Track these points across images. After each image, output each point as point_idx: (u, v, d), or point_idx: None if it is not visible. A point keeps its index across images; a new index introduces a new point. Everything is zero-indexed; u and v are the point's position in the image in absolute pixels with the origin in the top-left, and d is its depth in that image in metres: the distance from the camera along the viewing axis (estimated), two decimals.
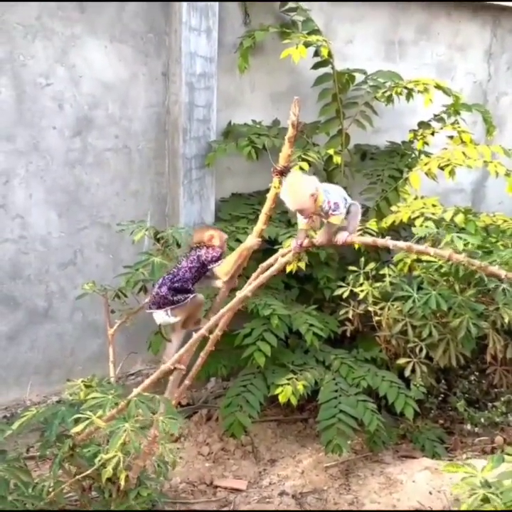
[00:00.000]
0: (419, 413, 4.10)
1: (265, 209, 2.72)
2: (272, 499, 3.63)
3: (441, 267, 4.05)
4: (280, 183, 2.60)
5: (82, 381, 2.85)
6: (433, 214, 4.20)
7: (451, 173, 4.27)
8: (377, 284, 4.14)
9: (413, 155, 4.94)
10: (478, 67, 5.87)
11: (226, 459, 4.04)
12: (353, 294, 4.19)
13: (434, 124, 4.92)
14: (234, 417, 3.83)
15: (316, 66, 4.69)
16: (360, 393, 3.92)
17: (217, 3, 4.32)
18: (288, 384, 3.83)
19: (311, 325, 4.04)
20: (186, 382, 2.99)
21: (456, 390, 4.39)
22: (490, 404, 4.34)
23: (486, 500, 1.94)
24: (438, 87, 4.53)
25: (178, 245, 3.22)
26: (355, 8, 5.05)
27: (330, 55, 4.46)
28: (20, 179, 4.00)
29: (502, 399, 4.30)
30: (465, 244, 3.69)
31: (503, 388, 4.38)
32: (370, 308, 4.13)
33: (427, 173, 4.42)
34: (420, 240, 3.84)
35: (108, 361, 3.28)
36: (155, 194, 4.51)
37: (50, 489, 2.64)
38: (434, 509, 3.41)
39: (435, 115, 4.94)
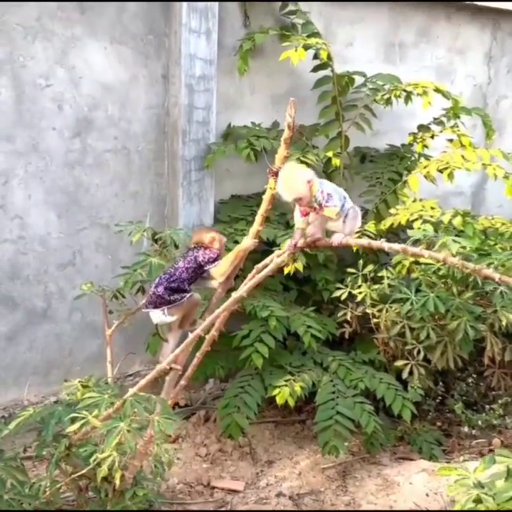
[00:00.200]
0: (417, 415, 4.10)
1: (261, 210, 2.74)
2: (269, 500, 3.63)
3: (439, 269, 4.06)
4: (276, 184, 2.61)
5: (80, 381, 2.85)
6: (431, 216, 4.21)
7: (450, 176, 4.27)
8: (376, 286, 4.15)
9: (412, 158, 4.95)
10: (478, 70, 5.88)
11: (223, 460, 4.04)
12: (351, 296, 4.20)
13: (433, 127, 4.93)
14: (231, 418, 3.83)
15: (315, 69, 4.70)
16: (357, 395, 3.92)
17: (217, 5, 4.33)
18: (285, 385, 3.84)
19: (309, 327, 4.04)
20: (182, 382, 3.00)
21: (453, 392, 4.39)
22: (487, 406, 4.35)
23: (478, 500, 1.95)
24: (437, 90, 4.54)
25: (176, 246, 3.23)
26: (355, 10, 5.07)
27: (329, 57, 4.47)
28: (20, 180, 4.02)
29: (499, 401, 4.31)
30: (462, 248, 3.70)
31: (501, 391, 4.39)
32: (368, 311, 4.15)
33: (426, 176, 4.43)
34: (416, 242, 3.85)
35: (106, 362, 3.28)
36: (154, 195, 4.53)
37: (47, 489, 2.65)
38: (430, 509, 3.41)
39: (435, 118, 4.94)
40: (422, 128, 4.97)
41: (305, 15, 4.62)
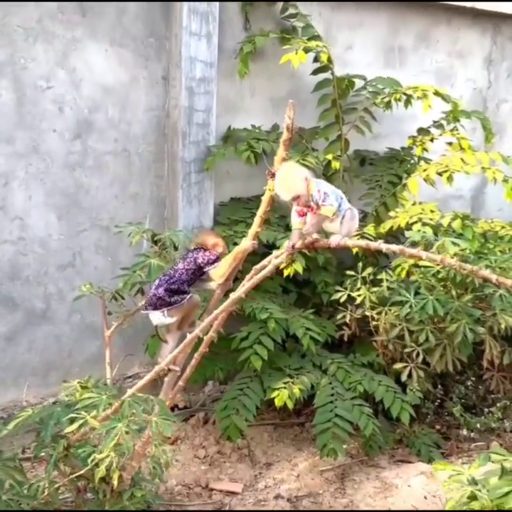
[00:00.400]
0: (416, 418, 4.11)
1: (260, 212, 2.75)
2: (267, 502, 3.63)
3: (438, 272, 4.06)
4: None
5: (78, 382, 2.86)
6: (431, 219, 4.21)
7: (449, 179, 4.29)
8: (375, 289, 4.15)
9: (412, 161, 4.96)
10: (478, 74, 5.89)
11: (222, 462, 4.04)
12: (350, 299, 4.20)
13: (433, 130, 4.94)
14: (230, 420, 3.83)
15: (315, 72, 4.71)
16: (356, 398, 3.93)
17: (217, 8, 4.35)
18: (284, 388, 3.84)
19: (308, 329, 4.05)
20: (180, 383, 3.01)
21: (452, 395, 4.39)
22: (486, 409, 4.35)
23: (473, 497, 1.96)
24: (437, 93, 4.55)
25: (175, 248, 3.24)
26: (355, 14, 5.08)
27: (329, 60, 4.48)
28: (20, 181, 4.03)
29: (498, 405, 4.31)
30: (461, 250, 3.70)
31: (500, 394, 4.39)
32: (368, 313, 4.15)
33: (425, 179, 4.44)
34: (414, 244, 3.85)
35: (105, 363, 3.29)
36: (154, 197, 4.54)
37: (45, 489, 2.65)
38: (426, 509, 3.41)
39: (434, 121, 4.96)
40: (422, 131, 4.99)
41: (305, 18, 4.63)
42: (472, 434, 4.23)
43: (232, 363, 4.17)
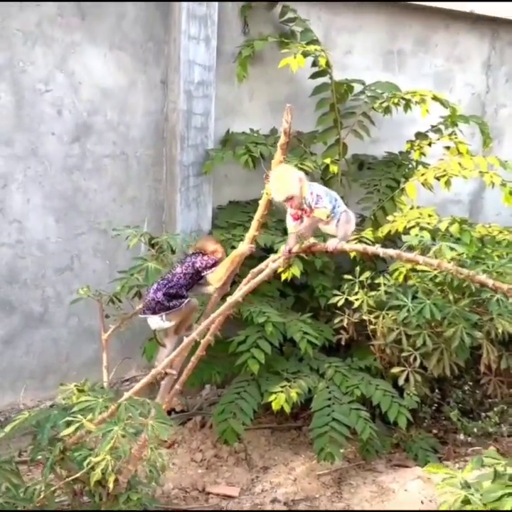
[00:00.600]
0: (413, 422, 4.11)
1: (258, 215, 2.76)
2: (263, 506, 3.63)
3: (436, 276, 4.06)
4: None
5: (75, 385, 2.86)
6: (429, 224, 4.21)
7: (447, 183, 4.29)
8: (372, 293, 4.15)
9: (410, 165, 4.97)
10: (476, 78, 5.91)
11: (219, 465, 4.04)
12: (348, 303, 4.20)
13: (431, 135, 4.95)
14: (227, 424, 3.83)
15: (314, 76, 4.72)
16: (353, 402, 3.92)
17: (216, 12, 4.36)
18: (281, 392, 3.84)
19: (306, 333, 4.05)
20: (177, 387, 3.01)
21: (450, 399, 4.39)
22: (483, 414, 4.35)
23: (466, 501, 1.97)
24: (435, 98, 4.56)
25: (173, 251, 3.24)
26: (354, 19, 5.10)
27: (328, 64, 4.50)
28: (19, 184, 4.04)
29: (495, 409, 4.31)
30: (458, 254, 3.71)
31: (497, 398, 4.40)
32: (365, 317, 4.14)
33: (423, 184, 4.44)
34: (411, 248, 3.86)
35: (102, 366, 3.29)
36: (152, 201, 4.54)
37: (41, 492, 2.65)
38: (426, 509, 3.41)
39: (432, 126, 4.97)
40: (420, 136, 4.99)
41: (304, 22, 4.64)
42: (469, 439, 4.22)
43: (229, 367, 4.17)
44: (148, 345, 4.11)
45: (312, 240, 2.70)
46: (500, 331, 3.94)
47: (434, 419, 4.42)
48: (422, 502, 3.52)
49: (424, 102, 4.48)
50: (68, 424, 2.44)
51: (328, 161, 4.65)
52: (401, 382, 4.05)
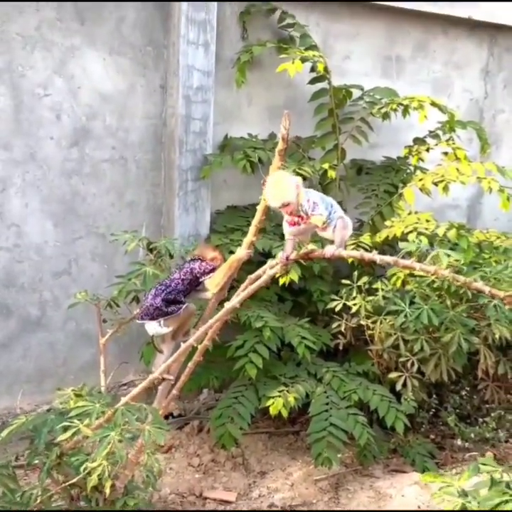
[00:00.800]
0: (410, 427, 4.10)
1: (255, 221, 2.76)
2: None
3: (433, 282, 4.06)
4: None
5: (72, 390, 2.86)
6: (426, 229, 4.22)
7: (445, 189, 4.30)
8: (370, 298, 4.15)
9: (408, 170, 4.98)
10: (474, 84, 5.92)
11: (216, 470, 4.04)
12: (346, 308, 4.20)
13: (429, 140, 4.96)
14: (225, 428, 3.83)
15: (312, 81, 4.74)
16: (351, 407, 3.92)
17: (215, 18, 4.37)
18: (279, 396, 3.84)
19: (304, 338, 4.05)
20: (174, 392, 3.01)
21: (447, 405, 4.39)
22: (481, 419, 4.35)
23: (464, 509, 1.97)
24: (433, 104, 4.57)
25: (171, 256, 3.24)
26: (352, 24, 5.11)
27: (326, 70, 4.51)
28: (17, 188, 4.04)
29: (493, 414, 4.31)
30: (456, 260, 3.72)
31: (495, 404, 4.40)
32: (363, 322, 4.15)
33: (421, 189, 4.45)
34: (409, 254, 3.86)
35: (100, 371, 3.29)
36: (150, 205, 4.55)
37: (38, 497, 2.65)
38: (425, 509, 3.41)
39: (430, 131, 4.98)
40: (418, 141, 5.01)
41: (303, 28, 4.66)
42: (466, 444, 4.23)
43: (227, 371, 4.17)
44: (145, 350, 4.10)
45: (310, 247, 2.70)
46: (497, 336, 3.95)
47: (431, 425, 4.42)
48: (418, 507, 3.52)
49: (422, 108, 4.49)
50: (65, 429, 2.44)
51: (326, 166, 4.66)
52: (399, 387, 4.05)
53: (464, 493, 2.02)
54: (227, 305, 2.72)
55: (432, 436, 4.37)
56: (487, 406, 4.43)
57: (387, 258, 2.48)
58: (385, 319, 4.10)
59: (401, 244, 3.96)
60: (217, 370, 4.21)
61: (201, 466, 4.06)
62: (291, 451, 4.28)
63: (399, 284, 4.18)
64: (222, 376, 4.23)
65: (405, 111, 4.63)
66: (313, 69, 4.62)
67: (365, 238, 4.40)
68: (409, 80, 5.48)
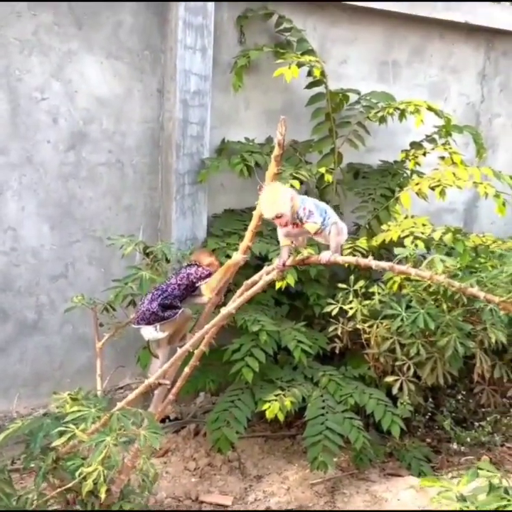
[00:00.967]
0: (406, 431, 4.12)
1: (251, 226, 2.77)
2: None
3: (429, 286, 4.08)
4: None
5: (69, 394, 2.86)
6: (423, 233, 4.23)
7: (442, 193, 4.31)
8: (367, 302, 4.17)
9: (405, 174, 4.99)
10: (471, 88, 5.94)
11: (212, 474, 4.04)
12: (342, 312, 4.21)
13: (426, 144, 4.98)
14: (221, 432, 3.82)
15: (309, 86, 4.75)
16: (347, 410, 3.93)
17: (212, 23, 4.38)
18: (275, 400, 3.84)
19: (300, 341, 4.06)
20: (170, 397, 3.01)
21: (443, 408, 4.40)
22: (477, 423, 4.36)
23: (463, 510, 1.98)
24: (430, 108, 4.58)
25: (167, 260, 3.25)
26: (349, 29, 5.13)
27: (323, 74, 4.52)
28: (14, 192, 4.04)
29: (489, 418, 4.32)
30: (446, 267, 3.73)
31: (491, 408, 4.41)
32: (359, 326, 4.16)
33: (417, 193, 4.46)
34: (405, 259, 3.88)
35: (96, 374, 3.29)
36: (148, 209, 4.55)
37: (34, 501, 2.65)
38: (425, 509, 3.42)
39: (427, 136, 4.99)
40: (415, 145, 5.02)
41: (300, 32, 4.67)
42: (462, 448, 4.24)
43: (223, 375, 4.17)
44: (142, 354, 4.10)
45: (306, 252, 2.70)
46: (493, 340, 3.97)
47: (427, 428, 4.43)
48: None
49: (418, 112, 4.50)
50: (61, 433, 2.44)
51: (323, 170, 4.67)
52: (395, 391, 4.06)
53: (462, 498, 2.03)
54: (223, 310, 2.72)
55: (428, 440, 4.38)
56: (483, 410, 4.44)
57: (383, 264, 2.48)
58: (382, 323, 4.11)
59: (396, 250, 3.97)
60: (213, 373, 4.21)
61: (197, 469, 4.07)
62: (287, 455, 4.28)
63: (395, 288, 4.19)
64: (219, 379, 4.23)
65: (402, 115, 4.63)
66: (310, 73, 4.63)
67: (362, 242, 4.41)
68: (406, 85, 5.50)
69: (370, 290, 4.22)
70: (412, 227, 4.30)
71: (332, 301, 4.24)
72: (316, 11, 4.93)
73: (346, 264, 4.22)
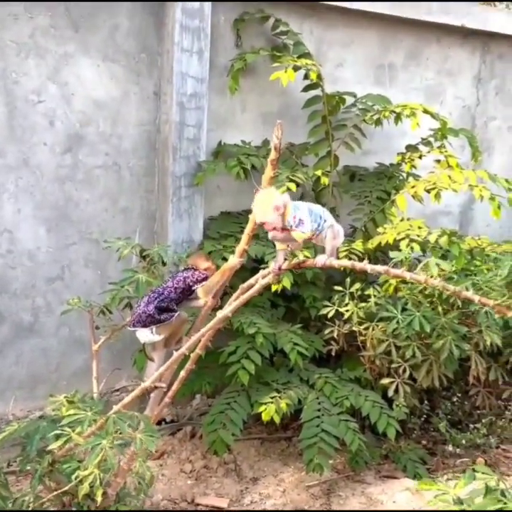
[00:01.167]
0: (402, 433, 4.12)
1: (248, 230, 2.78)
2: None
3: (425, 288, 4.09)
4: None
5: (65, 397, 2.86)
6: (418, 236, 4.24)
7: (437, 196, 4.32)
8: (363, 305, 4.17)
9: (401, 177, 5.00)
10: (467, 92, 5.96)
11: (208, 476, 4.04)
12: (338, 314, 4.22)
13: (421, 147, 4.99)
14: (217, 434, 3.83)
15: (306, 89, 4.76)
16: (343, 413, 3.93)
17: (209, 26, 4.39)
18: (271, 402, 3.85)
19: (296, 344, 4.06)
20: (166, 399, 3.01)
21: (438, 411, 4.41)
22: (472, 425, 4.37)
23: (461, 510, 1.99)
24: (425, 111, 4.60)
25: (164, 263, 3.26)
26: (346, 32, 5.14)
27: (319, 77, 4.53)
28: (10, 194, 4.04)
29: (484, 421, 4.34)
30: (442, 270, 3.75)
31: (486, 410, 4.42)
32: (355, 328, 4.17)
33: (413, 196, 4.48)
34: (401, 262, 3.89)
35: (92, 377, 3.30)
36: (144, 211, 4.56)
37: (30, 504, 2.65)
38: (424, 509, 3.43)
39: (423, 139, 5.01)
40: (411, 148, 5.04)
41: (296, 36, 4.68)
42: (458, 450, 4.25)
43: (219, 377, 4.18)
44: (138, 356, 4.11)
45: (302, 256, 2.71)
46: (488, 342, 3.98)
47: (423, 431, 4.44)
48: None
49: (414, 115, 4.51)
50: (57, 436, 2.45)
51: (319, 172, 4.67)
52: (390, 393, 4.07)
53: (459, 501, 2.04)
54: (220, 313, 2.73)
55: (424, 442, 4.39)
56: (478, 412, 4.46)
57: (379, 268, 2.49)
58: (377, 325, 4.12)
59: (392, 254, 3.99)
60: (209, 375, 4.22)
61: (193, 472, 4.07)
62: (283, 457, 4.29)
63: (391, 290, 4.21)
64: (215, 382, 4.24)
65: (398, 118, 4.65)
66: (306, 76, 4.64)
67: (358, 245, 4.42)
68: (402, 88, 5.51)
69: (366, 292, 4.23)
70: (408, 229, 4.31)
71: (328, 304, 4.25)
72: (313, 15, 4.95)
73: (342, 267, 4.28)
